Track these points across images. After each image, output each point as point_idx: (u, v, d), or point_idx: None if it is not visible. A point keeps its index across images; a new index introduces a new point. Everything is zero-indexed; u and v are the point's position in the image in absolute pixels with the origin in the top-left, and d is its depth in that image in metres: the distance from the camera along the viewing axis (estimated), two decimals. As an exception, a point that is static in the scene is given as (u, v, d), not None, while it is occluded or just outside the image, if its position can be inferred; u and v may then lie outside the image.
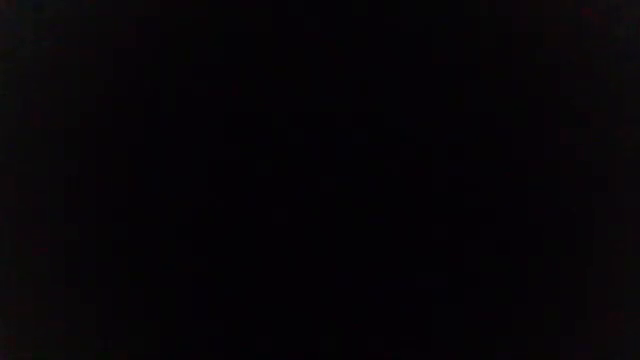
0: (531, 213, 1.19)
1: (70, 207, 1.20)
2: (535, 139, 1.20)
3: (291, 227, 1.19)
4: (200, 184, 1.19)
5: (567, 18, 1.22)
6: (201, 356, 1.18)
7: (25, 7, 1.22)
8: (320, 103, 1.20)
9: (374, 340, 1.18)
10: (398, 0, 1.21)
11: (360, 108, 1.20)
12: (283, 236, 1.18)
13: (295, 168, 1.19)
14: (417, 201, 1.19)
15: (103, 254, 1.19)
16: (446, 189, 1.19)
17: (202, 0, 1.22)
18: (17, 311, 1.19)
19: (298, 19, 1.21)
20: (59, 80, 1.21)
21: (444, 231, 1.18)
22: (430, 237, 1.18)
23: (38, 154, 1.21)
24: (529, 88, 1.20)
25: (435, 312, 1.18)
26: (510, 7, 1.21)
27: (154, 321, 1.18)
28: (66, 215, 1.20)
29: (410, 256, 1.18)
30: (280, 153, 1.19)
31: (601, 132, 1.20)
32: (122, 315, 1.19)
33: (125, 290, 1.19)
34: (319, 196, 1.19)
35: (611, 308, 1.19)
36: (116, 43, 1.21)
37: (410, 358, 1.17)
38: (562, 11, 1.21)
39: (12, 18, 1.22)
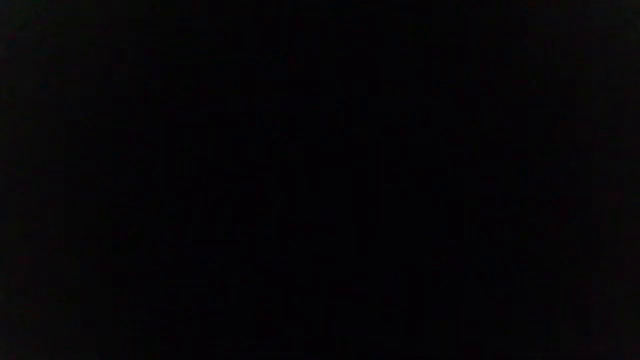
0: (532, 213, 1.19)
1: (69, 206, 1.20)
2: (535, 139, 1.20)
3: (290, 227, 1.19)
4: (199, 184, 1.20)
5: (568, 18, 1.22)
6: (200, 355, 1.18)
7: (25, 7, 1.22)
8: (320, 103, 1.20)
9: (375, 340, 1.18)
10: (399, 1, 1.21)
11: (361, 108, 1.20)
12: (282, 236, 1.19)
13: (295, 168, 1.19)
14: (416, 201, 1.19)
15: (102, 254, 1.19)
16: (445, 189, 1.19)
17: (202, 1, 1.22)
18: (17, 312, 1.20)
19: (299, 18, 1.21)
20: (57, 81, 1.22)
21: (444, 231, 1.19)
22: (430, 237, 1.19)
23: (38, 154, 1.21)
24: (530, 87, 1.21)
25: (436, 312, 1.18)
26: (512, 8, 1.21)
27: (153, 321, 1.18)
28: (66, 214, 1.20)
29: (409, 257, 1.18)
30: (280, 153, 1.19)
31: (602, 131, 1.21)
32: (121, 314, 1.19)
33: (124, 289, 1.19)
34: (319, 196, 1.19)
35: (612, 308, 1.19)
36: (115, 43, 1.21)
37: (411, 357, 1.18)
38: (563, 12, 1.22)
39: (12, 18, 1.22)
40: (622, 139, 1.21)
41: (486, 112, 1.20)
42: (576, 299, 1.19)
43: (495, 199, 1.19)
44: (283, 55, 1.21)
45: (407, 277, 1.18)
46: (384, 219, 1.19)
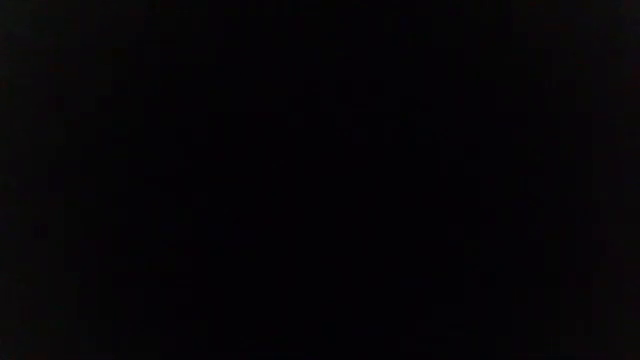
0: (532, 213, 1.19)
1: (69, 206, 1.20)
2: (536, 139, 1.20)
3: (292, 227, 1.19)
4: (199, 183, 1.19)
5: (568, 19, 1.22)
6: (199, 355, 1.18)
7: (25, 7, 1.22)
8: (321, 103, 1.20)
9: (375, 340, 1.18)
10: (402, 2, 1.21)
11: (361, 108, 1.20)
12: (283, 236, 1.19)
13: (296, 168, 1.19)
14: (417, 201, 1.19)
15: (102, 254, 1.19)
16: (446, 189, 1.19)
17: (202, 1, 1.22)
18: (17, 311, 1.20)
19: (299, 18, 1.21)
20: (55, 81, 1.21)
21: (444, 230, 1.18)
22: (431, 236, 1.18)
23: (38, 154, 1.21)
24: (529, 88, 1.21)
25: (435, 312, 1.18)
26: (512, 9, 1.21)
27: (153, 321, 1.18)
28: (66, 214, 1.20)
29: (409, 257, 1.18)
30: (280, 152, 1.19)
31: (602, 132, 1.21)
32: (121, 314, 1.19)
33: (123, 289, 1.19)
34: (319, 196, 1.19)
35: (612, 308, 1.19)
36: (115, 43, 1.21)
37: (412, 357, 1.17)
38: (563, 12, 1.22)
39: (12, 17, 1.22)
40: (622, 139, 1.21)
41: (486, 112, 1.20)
42: (576, 299, 1.19)
43: (495, 199, 1.19)
44: (283, 55, 1.21)
45: (407, 277, 1.18)
46: (385, 219, 1.19)
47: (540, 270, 1.18)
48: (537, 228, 1.19)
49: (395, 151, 1.19)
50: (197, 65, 1.21)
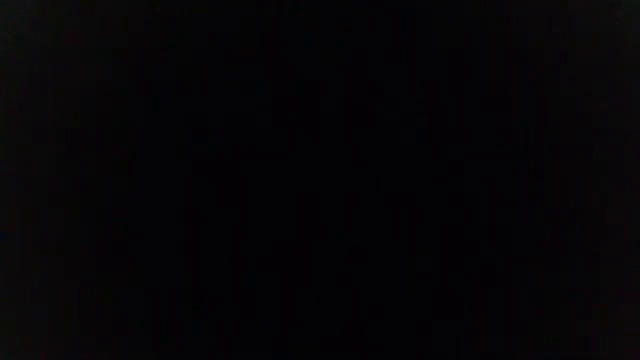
0: (533, 214, 1.19)
1: (68, 206, 1.20)
2: (537, 139, 1.20)
3: (293, 228, 1.19)
4: (199, 184, 1.20)
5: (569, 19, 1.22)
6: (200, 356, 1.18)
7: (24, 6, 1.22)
8: (320, 102, 1.20)
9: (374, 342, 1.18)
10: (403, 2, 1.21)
11: (361, 108, 1.20)
12: (280, 236, 1.19)
13: (297, 169, 1.19)
14: (417, 201, 1.19)
15: (102, 254, 1.19)
16: (447, 190, 1.19)
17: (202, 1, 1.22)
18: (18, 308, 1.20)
19: (299, 17, 1.21)
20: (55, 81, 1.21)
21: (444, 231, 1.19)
22: (430, 237, 1.19)
23: (36, 154, 1.21)
24: (531, 89, 1.21)
25: (435, 312, 1.18)
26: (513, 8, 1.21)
27: (152, 321, 1.18)
28: (65, 215, 1.20)
29: (409, 257, 1.18)
30: (279, 151, 1.20)
31: (601, 132, 1.21)
32: (119, 314, 1.19)
33: (122, 289, 1.19)
34: (320, 197, 1.19)
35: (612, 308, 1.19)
36: (116, 43, 1.21)
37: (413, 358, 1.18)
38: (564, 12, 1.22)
39: (12, 18, 1.22)
40: (622, 139, 1.21)
41: (485, 112, 1.20)
42: (576, 299, 1.19)
43: (495, 199, 1.19)
44: (282, 54, 1.21)
45: (407, 277, 1.18)
46: (384, 219, 1.19)
47: (540, 270, 1.19)
48: (537, 228, 1.19)
49: (394, 151, 1.19)
50: (197, 64, 1.21)
